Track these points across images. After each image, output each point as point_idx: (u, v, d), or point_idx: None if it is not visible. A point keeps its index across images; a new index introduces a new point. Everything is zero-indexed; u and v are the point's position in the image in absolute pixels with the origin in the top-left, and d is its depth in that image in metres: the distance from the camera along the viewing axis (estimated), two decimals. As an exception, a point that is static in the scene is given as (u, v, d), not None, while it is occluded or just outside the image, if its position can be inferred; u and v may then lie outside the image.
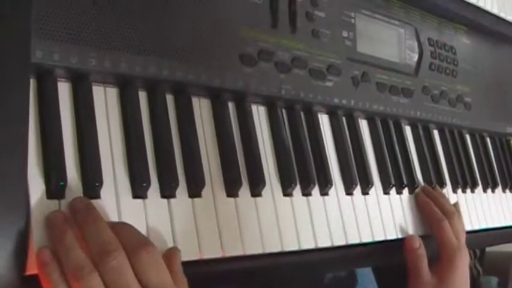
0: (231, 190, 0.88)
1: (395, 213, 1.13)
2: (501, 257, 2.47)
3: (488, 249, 2.42)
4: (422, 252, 1.11)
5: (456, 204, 1.25)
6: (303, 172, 0.98)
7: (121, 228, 0.70)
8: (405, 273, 1.13)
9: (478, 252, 2.41)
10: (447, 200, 1.22)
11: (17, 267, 0.65)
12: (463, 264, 1.14)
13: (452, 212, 1.18)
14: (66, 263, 0.65)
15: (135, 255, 0.67)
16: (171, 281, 0.70)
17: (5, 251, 0.64)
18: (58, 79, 0.76)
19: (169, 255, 0.75)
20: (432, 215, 1.17)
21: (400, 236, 1.12)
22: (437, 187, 1.25)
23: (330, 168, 1.03)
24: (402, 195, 1.17)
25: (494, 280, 2.49)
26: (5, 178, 0.65)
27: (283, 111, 1.01)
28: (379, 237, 1.08)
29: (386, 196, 1.13)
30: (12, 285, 0.65)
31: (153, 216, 0.78)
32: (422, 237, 1.14)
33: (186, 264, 0.78)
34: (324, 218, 0.99)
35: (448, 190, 1.30)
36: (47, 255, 0.66)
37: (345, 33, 1.12)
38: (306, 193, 0.98)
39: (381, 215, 1.10)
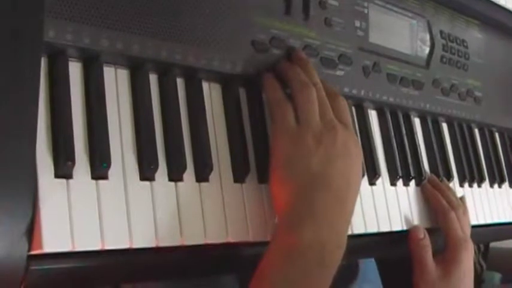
0: (239, 176, 0.88)
1: (402, 204, 1.13)
2: (505, 253, 2.48)
3: (492, 245, 2.42)
4: (426, 243, 1.11)
5: (462, 198, 1.25)
6: (311, 160, 0.98)
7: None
8: (408, 265, 1.13)
9: (482, 247, 2.42)
10: (454, 193, 1.22)
11: (24, 246, 0.65)
12: (468, 257, 1.14)
13: (458, 205, 1.18)
14: (295, 79, 0.92)
15: (335, 98, 0.94)
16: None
17: (12, 229, 0.64)
18: (70, 59, 0.75)
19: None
20: (439, 206, 1.17)
21: (405, 228, 1.12)
22: (445, 180, 1.25)
23: (338, 158, 1.03)
24: (409, 187, 1.17)
25: (497, 276, 2.50)
26: (13, 157, 0.65)
27: (294, 99, 1.01)
28: (385, 228, 1.08)
29: (393, 187, 1.13)
30: (19, 265, 0.65)
31: (160, 199, 0.78)
32: (428, 229, 1.14)
33: (190, 248, 0.78)
34: (330, 207, 0.98)
35: (454, 184, 1.30)
36: (271, 77, 0.93)
37: (357, 23, 1.12)
38: (313, 181, 0.98)
39: (387, 206, 1.09)
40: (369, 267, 1.36)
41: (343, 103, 0.95)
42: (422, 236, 1.11)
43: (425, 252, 1.11)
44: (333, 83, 1.04)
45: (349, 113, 0.96)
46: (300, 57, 0.97)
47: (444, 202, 1.17)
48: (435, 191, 1.19)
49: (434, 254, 1.12)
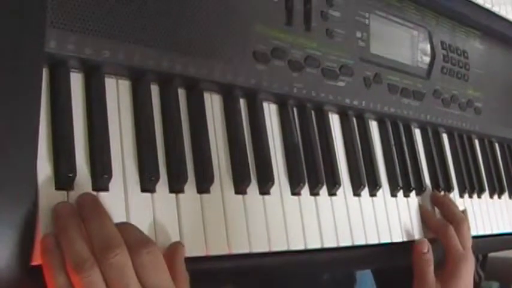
0: (240, 187, 0.87)
1: (402, 216, 1.12)
2: (503, 263, 2.47)
3: (490, 254, 2.42)
4: (429, 257, 1.11)
5: (464, 211, 1.24)
6: (312, 171, 0.98)
7: (124, 226, 0.69)
8: (404, 274, 1.13)
9: (480, 257, 2.41)
10: (457, 206, 1.22)
11: (24, 257, 0.65)
12: (467, 272, 1.13)
13: (462, 219, 1.17)
14: (68, 255, 0.64)
15: (136, 254, 0.66)
16: (171, 281, 0.70)
17: (12, 240, 0.64)
18: (71, 69, 0.75)
19: (172, 251, 0.75)
20: (435, 223, 1.17)
21: (406, 239, 1.12)
22: (447, 194, 1.25)
23: (339, 169, 1.03)
24: (409, 198, 1.16)
25: (495, 285, 2.49)
26: (14, 168, 0.65)
27: (295, 109, 1.01)
28: (385, 240, 1.07)
29: (393, 198, 1.13)
30: (18, 275, 0.64)
31: (161, 210, 0.78)
32: (429, 240, 1.14)
33: (192, 260, 0.77)
34: (331, 219, 0.98)
35: (455, 194, 1.29)
36: (50, 243, 0.66)
37: (358, 34, 1.12)
38: (314, 193, 0.98)
39: (387, 217, 1.09)
40: (365, 275, 1.36)
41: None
42: (426, 250, 1.11)
43: (428, 267, 1.10)
44: (334, 94, 1.04)
45: None
46: (84, 203, 0.71)
47: (439, 218, 1.17)
48: (428, 211, 1.19)
49: (434, 267, 1.12)
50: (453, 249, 1.13)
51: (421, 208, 1.18)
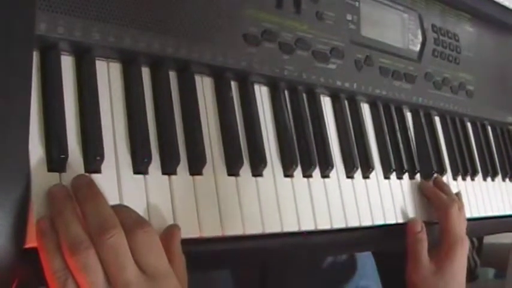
0: (232, 169, 0.87)
1: (395, 198, 1.13)
2: (498, 249, 2.48)
3: (485, 240, 2.43)
4: (423, 236, 1.11)
5: (458, 194, 1.25)
6: (304, 153, 0.98)
7: (119, 208, 0.70)
8: (406, 260, 1.13)
9: (476, 243, 2.42)
10: (451, 189, 1.22)
11: (17, 240, 0.65)
12: (462, 254, 1.14)
13: (456, 201, 1.18)
14: (64, 237, 0.64)
15: (131, 234, 0.66)
16: (167, 261, 0.70)
17: (5, 223, 0.64)
18: (61, 52, 0.75)
19: (168, 234, 0.75)
20: (439, 201, 1.17)
21: (399, 221, 1.12)
22: (439, 176, 1.25)
23: (331, 151, 1.03)
24: (402, 180, 1.16)
25: (491, 271, 2.51)
26: (6, 150, 0.65)
27: (286, 92, 1.01)
28: (379, 222, 1.08)
29: (386, 180, 1.13)
30: (12, 258, 0.64)
31: (154, 192, 0.78)
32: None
33: (185, 242, 0.77)
34: (324, 200, 0.99)
35: (448, 177, 1.30)
36: (46, 226, 0.66)
37: (349, 17, 1.12)
38: (307, 175, 0.98)
39: (381, 199, 1.09)
40: (366, 262, 1.36)
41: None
42: (419, 229, 1.11)
43: (421, 246, 1.10)
44: (325, 76, 1.04)
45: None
46: (79, 184, 0.71)
47: (445, 197, 1.17)
48: (434, 188, 1.19)
49: (429, 249, 1.12)
50: (451, 229, 1.13)
51: (425, 185, 1.20)
